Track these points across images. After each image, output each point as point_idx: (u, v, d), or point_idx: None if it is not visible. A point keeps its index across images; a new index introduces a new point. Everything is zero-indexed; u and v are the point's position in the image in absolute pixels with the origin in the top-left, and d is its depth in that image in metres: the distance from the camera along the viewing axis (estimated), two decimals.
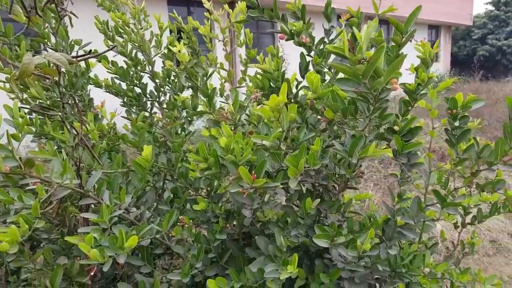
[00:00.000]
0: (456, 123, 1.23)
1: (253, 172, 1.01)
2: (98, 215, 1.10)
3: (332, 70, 1.40)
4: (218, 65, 2.06)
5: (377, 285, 1.64)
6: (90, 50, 1.04)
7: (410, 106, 1.40)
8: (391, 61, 0.88)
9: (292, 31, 1.40)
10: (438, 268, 1.64)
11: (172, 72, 1.63)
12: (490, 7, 26.25)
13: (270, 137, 1.08)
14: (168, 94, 1.88)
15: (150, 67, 1.84)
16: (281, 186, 1.14)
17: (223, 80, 2.05)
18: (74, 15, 1.35)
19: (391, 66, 0.82)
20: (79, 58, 1.07)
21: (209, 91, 1.32)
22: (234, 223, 1.54)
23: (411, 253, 1.54)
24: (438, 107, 1.68)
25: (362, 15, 1.43)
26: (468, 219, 1.97)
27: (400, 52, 1.01)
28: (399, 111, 1.44)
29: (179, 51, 1.31)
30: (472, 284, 1.85)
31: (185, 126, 1.91)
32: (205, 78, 1.51)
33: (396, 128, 1.32)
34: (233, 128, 1.30)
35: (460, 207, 1.93)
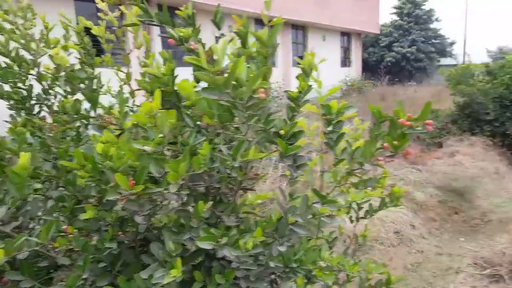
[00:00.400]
0: (330, 128, 1.33)
1: (131, 178, 1.00)
2: None
3: None
4: (116, 67, 2.00)
5: (279, 281, 1.71)
6: None
7: (295, 112, 1.49)
8: (261, 71, 0.93)
9: (180, 37, 1.41)
10: (333, 261, 1.75)
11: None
12: (395, 17, 28.76)
13: (151, 143, 1.07)
14: (58, 97, 1.78)
15: (37, 68, 1.73)
16: (167, 191, 1.14)
17: (122, 83, 1.99)
18: None
19: (252, 77, 0.86)
20: None
21: (92, 94, 1.28)
22: (133, 229, 1.51)
23: (309, 248, 1.62)
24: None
25: (251, 22, 1.48)
26: (362, 214, 2.14)
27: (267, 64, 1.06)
28: (286, 116, 1.52)
29: (56, 53, 1.24)
30: (366, 274, 2.01)
31: (80, 131, 1.82)
32: (90, 81, 1.45)
33: (282, 132, 1.39)
34: (118, 133, 1.27)
35: (355, 203, 2.09)
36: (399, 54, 26.64)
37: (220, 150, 1.23)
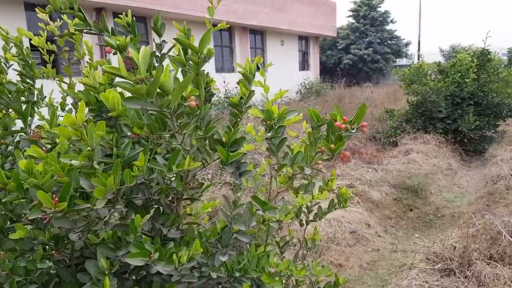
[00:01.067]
0: (271, 133, 1.33)
1: (54, 196, 0.95)
2: None
3: None
4: (58, 78, 1.92)
5: None
6: None
7: (238, 118, 1.48)
8: (188, 78, 0.91)
9: (118, 45, 1.37)
10: (280, 267, 1.75)
11: None
12: (352, 20, 29.56)
13: (79, 157, 1.03)
14: None
15: None
16: (98, 207, 1.10)
17: (65, 94, 1.91)
18: None
19: (180, 84, 0.85)
20: None
21: (23, 108, 1.21)
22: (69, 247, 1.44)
23: (257, 255, 1.62)
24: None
25: (189, 32, 1.46)
26: (311, 216, 2.17)
27: (199, 71, 1.05)
28: (230, 122, 1.51)
29: None
30: (315, 277, 2.03)
31: (9, 148, 1.73)
32: (20, 94, 1.38)
33: (223, 139, 1.38)
34: (48, 148, 1.21)
35: (304, 206, 2.12)
36: (356, 56, 27.37)
37: (155, 160, 1.20)
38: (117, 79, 0.85)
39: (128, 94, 1.06)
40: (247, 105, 1.45)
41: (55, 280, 1.31)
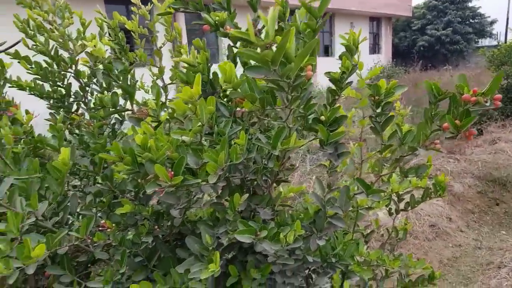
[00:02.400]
0: (379, 110, 1.25)
1: (170, 169, 0.97)
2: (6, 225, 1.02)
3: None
4: (149, 62, 1.99)
5: (313, 276, 1.67)
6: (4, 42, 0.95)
7: (336, 95, 1.41)
8: (310, 45, 0.86)
9: (216, 21, 1.37)
10: (371, 256, 1.68)
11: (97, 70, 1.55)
12: None
13: (190, 132, 1.04)
14: (95, 94, 1.79)
15: (74, 66, 1.74)
16: (205, 183, 1.11)
17: (155, 77, 1.98)
18: None
19: (300, 53, 0.80)
20: None
21: (130, 87, 1.26)
22: (168, 223, 1.50)
23: (346, 243, 1.56)
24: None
25: (287, 4, 1.42)
26: (402, 205, 2.05)
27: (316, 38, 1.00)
28: (326, 100, 1.45)
29: (95, 46, 1.23)
30: (406, 270, 1.93)
31: (115, 127, 1.83)
32: (127, 73, 1.44)
33: (322, 118, 1.33)
34: (155, 125, 1.25)
35: (395, 194, 2.00)
36: (432, 37, 25.45)
37: (258, 139, 1.18)
38: (239, 49, 0.83)
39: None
40: (347, 81, 1.38)
41: (157, 255, 1.36)
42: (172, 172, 0.98)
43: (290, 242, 1.09)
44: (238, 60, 1.48)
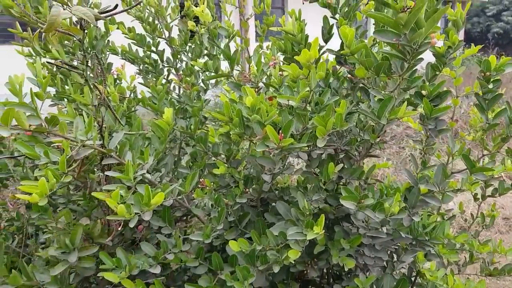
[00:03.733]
0: (490, 86, 1.18)
1: (280, 131, 0.99)
2: (123, 173, 1.09)
3: (359, 31, 1.36)
4: (235, 32, 2.02)
5: (394, 255, 1.64)
6: (116, 5, 1.01)
7: (438, 71, 1.36)
8: (429, 15, 0.84)
9: None
10: (458, 239, 1.62)
11: (194, 34, 1.60)
12: None
13: (297, 98, 1.05)
14: (184, 61, 1.85)
15: (168, 32, 1.80)
16: (306, 148, 1.12)
17: (239, 48, 2.01)
18: None
19: (431, 18, 0.78)
20: (105, 14, 1.04)
21: (231, 53, 1.29)
22: (253, 188, 1.54)
23: (433, 223, 1.52)
24: (462, 75, 1.63)
25: None
26: (489, 192, 1.95)
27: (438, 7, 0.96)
28: (425, 76, 1.40)
29: (202, 11, 1.27)
30: (491, 256, 1.84)
31: (200, 94, 1.89)
32: (227, 40, 1.47)
33: (424, 92, 1.29)
34: (256, 90, 1.27)
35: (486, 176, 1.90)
36: (509, 24, 23.58)
37: (360, 108, 1.17)
38: (369, 13, 0.82)
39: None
40: (451, 57, 1.32)
41: (248, 217, 1.40)
42: (282, 134, 0.99)
43: (395, 212, 1.07)
44: (333, 31, 1.46)
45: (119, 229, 1.18)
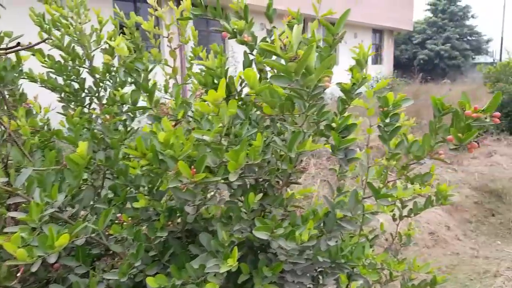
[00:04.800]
0: (387, 120, 1.30)
1: (192, 166, 1.01)
2: (27, 214, 1.04)
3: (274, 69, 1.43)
4: (163, 61, 2.02)
5: (320, 277, 1.70)
6: (18, 43, 0.98)
7: (347, 105, 1.46)
8: (329, 59, 0.91)
9: (234, 29, 1.41)
10: (377, 259, 1.71)
11: (112, 67, 1.59)
12: (429, 14, 27.97)
13: (211, 132, 1.08)
14: (108, 90, 1.82)
15: (89, 61, 1.77)
16: (223, 181, 1.15)
17: (168, 77, 2.01)
18: (2, 5, 1.27)
19: (321, 65, 0.85)
20: (7, 50, 1.01)
21: (150, 86, 1.30)
22: (178, 220, 1.53)
23: (352, 245, 1.60)
24: (376, 105, 1.76)
25: (302, 17, 1.47)
26: (405, 212, 2.09)
27: (332, 52, 1.05)
28: (337, 109, 1.50)
29: (118, 45, 1.27)
30: (409, 273, 1.97)
31: (127, 122, 1.86)
32: (145, 73, 1.48)
33: (334, 125, 1.37)
34: (173, 124, 1.28)
35: (398, 200, 2.05)
36: (432, 52, 25.92)
37: (274, 141, 1.22)
38: (268, 59, 0.87)
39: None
40: (357, 92, 1.42)
41: (171, 251, 1.39)
42: (195, 170, 1.01)
43: (305, 240, 1.12)
44: (254, 66, 1.52)
45: (21, 273, 1.11)
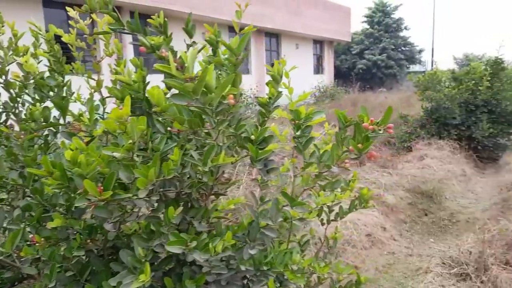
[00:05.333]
0: (299, 133, 1.37)
1: (100, 184, 1.00)
2: None
3: None
4: (86, 75, 1.98)
5: (251, 285, 1.73)
6: None
7: (266, 117, 1.52)
8: (230, 78, 0.96)
9: (152, 45, 1.42)
10: (303, 264, 1.78)
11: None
12: (366, 25, 29.49)
13: (121, 149, 1.08)
14: (26, 105, 1.75)
15: (4, 76, 1.70)
16: (136, 197, 1.15)
17: (93, 90, 1.97)
18: None
19: (221, 84, 0.89)
20: None
21: (62, 101, 1.27)
22: (103, 238, 1.49)
23: (279, 251, 1.65)
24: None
25: (220, 34, 1.51)
26: (333, 216, 2.19)
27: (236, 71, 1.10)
28: (257, 121, 1.55)
29: (26, 61, 1.23)
30: (337, 276, 2.05)
31: (49, 138, 1.80)
32: (60, 88, 1.44)
33: (252, 137, 1.42)
34: (84, 140, 1.26)
35: (325, 206, 2.14)
36: (370, 62, 27.30)
37: (191, 156, 1.24)
38: (166, 78, 0.90)
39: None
40: (274, 105, 1.49)
41: (90, 269, 1.35)
42: (102, 187, 1.00)
43: (219, 251, 1.15)
44: None
45: None
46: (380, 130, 1.16)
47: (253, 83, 16.15)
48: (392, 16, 28.71)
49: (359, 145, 1.23)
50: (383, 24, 28.28)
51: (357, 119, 1.23)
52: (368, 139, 1.18)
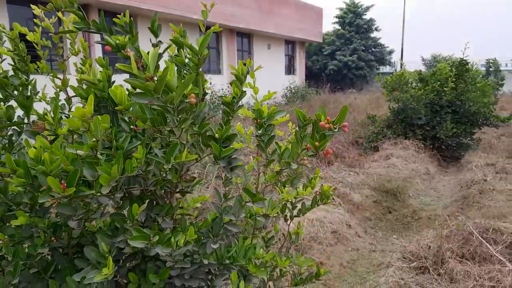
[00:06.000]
0: (261, 131, 1.44)
1: (63, 181, 1.03)
2: None
3: None
4: (51, 74, 1.98)
5: (214, 278, 1.79)
6: None
7: (230, 116, 1.58)
8: (190, 77, 1.01)
9: (117, 44, 1.45)
10: (266, 258, 1.85)
11: None
12: (337, 26, 29.97)
13: (84, 147, 1.11)
14: None
15: None
16: (100, 194, 1.18)
17: (58, 89, 1.97)
18: None
19: (182, 83, 0.94)
20: None
21: (26, 101, 1.29)
22: (68, 235, 1.51)
23: (244, 247, 1.72)
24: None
25: (185, 33, 1.56)
26: (296, 212, 2.28)
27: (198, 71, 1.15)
28: (222, 120, 1.61)
29: None
30: (299, 269, 2.14)
31: (13, 138, 1.79)
32: (24, 87, 1.45)
33: (217, 135, 1.48)
34: (49, 139, 1.28)
35: (289, 202, 2.23)
36: (341, 62, 27.77)
37: (155, 154, 1.29)
38: (128, 77, 0.94)
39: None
40: (238, 105, 1.55)
41: (54, 266, 1.38)
42: (65, 184, 1.04)
43: (181, 245, 1.20)
44: None
45: None
46: (335, 128, 1.24)
47: (224, 83, 16.16)
48: (363, 17, 29.25)
49: (316, 143, 1.31)
50: (354, 25, 28.79)
51: (315, 118, 1.30)
52: (325, 137, 1.26)
